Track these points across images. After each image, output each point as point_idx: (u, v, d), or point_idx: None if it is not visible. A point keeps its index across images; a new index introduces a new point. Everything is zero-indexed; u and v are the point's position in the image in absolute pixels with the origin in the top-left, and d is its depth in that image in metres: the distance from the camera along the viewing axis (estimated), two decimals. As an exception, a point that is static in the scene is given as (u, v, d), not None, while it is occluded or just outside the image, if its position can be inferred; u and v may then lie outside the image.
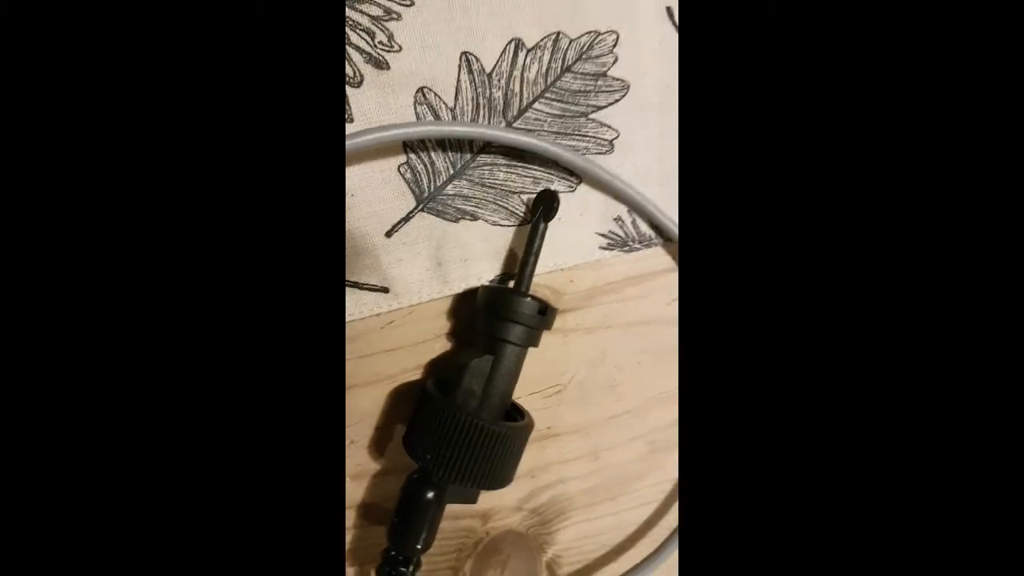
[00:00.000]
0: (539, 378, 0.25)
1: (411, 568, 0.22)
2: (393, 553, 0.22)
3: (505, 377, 0.22)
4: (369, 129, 0.22)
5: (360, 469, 0.25)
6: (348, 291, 0.23)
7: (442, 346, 0.25)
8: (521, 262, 0.23)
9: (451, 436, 0.21)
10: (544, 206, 0.23)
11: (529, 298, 0.22)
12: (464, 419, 0.21)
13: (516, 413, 0.23)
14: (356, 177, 0.23)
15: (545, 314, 0.22)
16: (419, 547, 0.22)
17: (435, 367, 0.25)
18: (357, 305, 0.23)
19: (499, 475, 0.22)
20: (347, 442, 0.24)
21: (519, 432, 0.22)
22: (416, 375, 0.24)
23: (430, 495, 0.22)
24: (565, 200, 0.24)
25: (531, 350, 0.23)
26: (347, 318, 0.23)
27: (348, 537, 0.25)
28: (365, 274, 0.23)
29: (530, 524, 0.27)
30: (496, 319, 0.22)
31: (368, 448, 0.25)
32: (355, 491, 0.25)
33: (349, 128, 0.22)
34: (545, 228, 0.23)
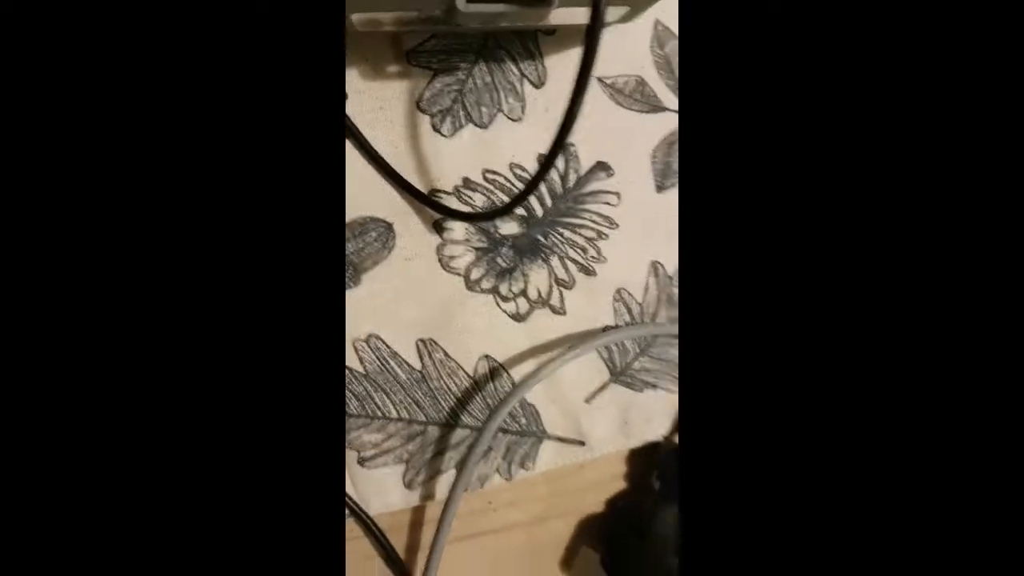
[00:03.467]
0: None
1: (607, 675, 0.27)
2: (592, 661, 0.27)
3: (682, 523, 0.27)
4: (586, 334, 0.27)
5: (552, 582, 0.29)
6: (553, 444, 0.28)
7: (619, 485, 0.29)
8: (694, 428, 0.27)
9: (652, 574, 0.25)
10: (714, 386, 0.27)
11: (704, 462, 0.26)
12: (664, 561, 0.25)
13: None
14: (569, 365, 0.28)
15: (717, 476, 0.27)
16: (614, 659, 0.27)
17: (615, 503, 0.29)
18: (561, 455, 0.28)
19: (680, 605, 0.26)
20: (543, 562, 0.29)
21: None
22: (599, 507, 0.29)
23: (625, 620, 0.26)
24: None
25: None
26: (551, 467, 0.28)
27: (540, 635, 0.30)
28: (569, 431, 0.28)
29: (680, 627, 0.31)
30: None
31: (560, 565, 0.29)
32: (546, 599, 0.29)
33: (566, 326, 0.27)
34: (714, 402, 0.27)
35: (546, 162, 0.22)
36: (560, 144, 0.21)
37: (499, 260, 0.27)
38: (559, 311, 0.28)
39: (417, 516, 0.27)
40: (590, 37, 0.18)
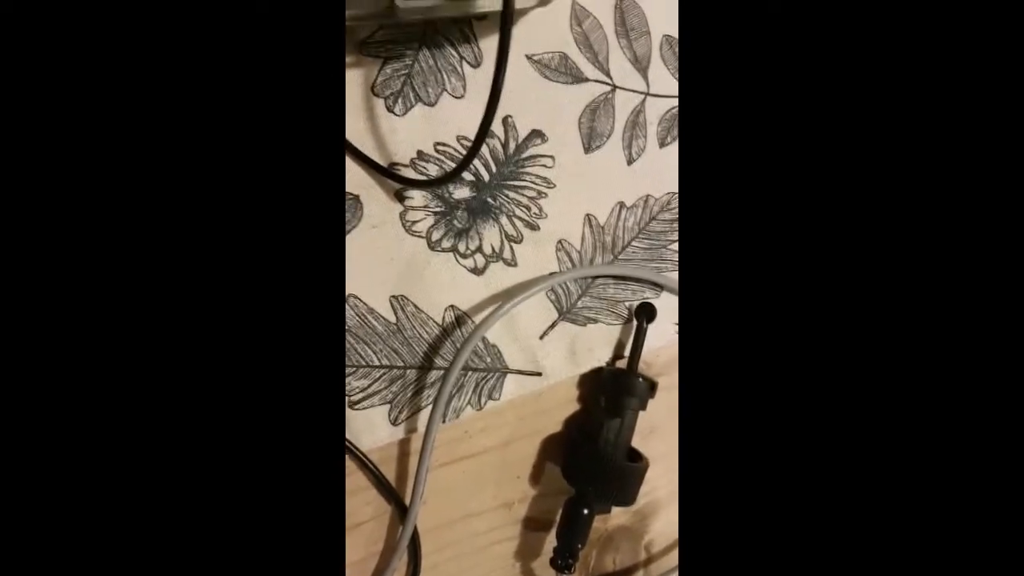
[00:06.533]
0: (640, 424, 0.34)
1: (575, 560, 0.31)
2: (563, 551, 0.31)
3: (628, 431, 0.31)
4: (534, 280, 0.30)
5: (523, 494, 0.33)
6: (515, 377, 0.32)
7: (573, 407, 0.33)
8: (631, 351, 0.31)
9: (602, 472, 0.30)
10: (646, 314, 0.31)
11: (641, 379, 0.30)
12: (612, 461, 0.29)
13: (635, 454, 0.32)
14: (522, 305, 0.31)
15: (653, 389, 0.31)
16: (579, 546, 0.31)
17: (570, 423, 0.33)
18: (521, 386, 0.32)
19: (630, 497, 0.31)
20: (514, 476, 0.33)
21: (643, 469, 0.31)
22: (558, 428, 0.33)
23: (586, 511, 0.30)
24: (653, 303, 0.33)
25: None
26: (515, 396, 0.32)
27: (516, 543, 0.34)
28: (527, 364, 0.32)
29: (633, 520, 0.35)
30: (621, 394, 0.30)
31: (529, 479, 0.33)
32: (520, 510, 0.33)
33: (518, 275, 0.31)
34: (646, 328, 0.31)
35: (481, 130, 0.25)
36: (490, 116, 0.24)
37: (455, 222, 0.30)
38: (511, 263, 0.31)
39: (404, 448, 0.30)
40: (504, 25, 0.22)
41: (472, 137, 0.29)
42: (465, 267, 0.30)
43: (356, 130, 0.27)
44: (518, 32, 0.30)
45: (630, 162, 0.31)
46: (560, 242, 0.31)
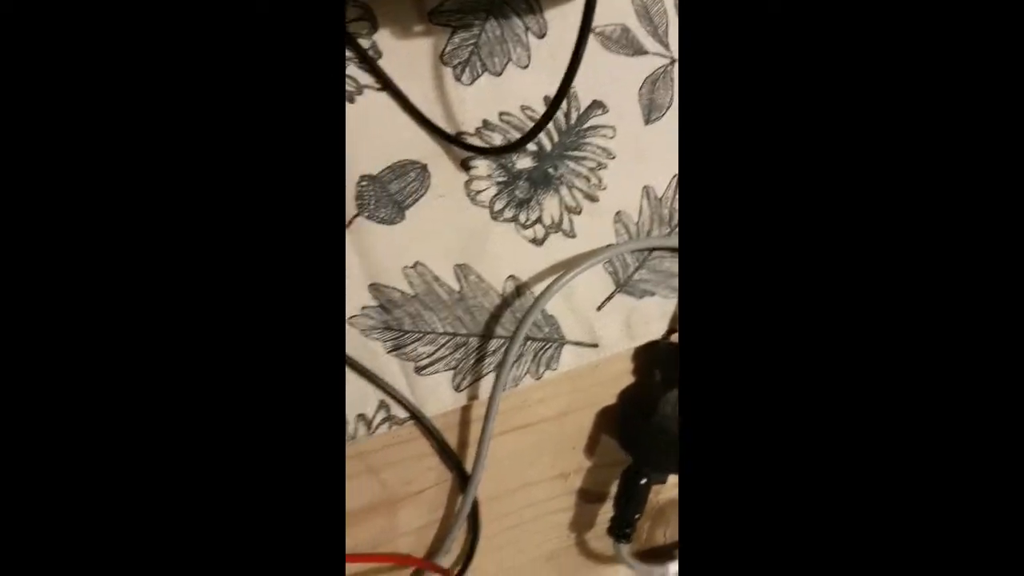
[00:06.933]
0: (691, 396, 0.34)
1: (632, 529, 0.31)
2: (621, 520, 0.31)
3: (685, 401, 0.31)
4: (592, 252, 0.31)
5: (579, 465, 0.33)
6: (572, 348, 0.32)
7: (628, 380, 0.33)
8: (688, 324, 0.31)
9: (661, 446, 0.30)
10: (704, 286, 0.31)
11: (699, 349, 0.31)
12: (670, 433, 0.30)
13: (690, 424, 0.32)
14: (580, 277, 0.31)
15: (711, 359, 0.31)
16: (637, 516, 0.31)
17: (625, 394, 0.33)
18: (579, 357, 0.32)
19: (689, 466, 0.31)
20: (570, 447, 0.33)
21: (701, 438, 0.31)
22: (613, 400, 0.33)
23: (644, 481, 0.31)
24: (707, 276, 0.33)
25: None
26: (571, 367, 0.32)
27: (572, 514, 0.34)
28: (584, 336, 0.32)
29: (684, 495, 0.36)
30: (677, 367, 0.31)
31: (584, 451, 0.33)
32: (576, 481, 0.33)
33: (576, 247, 0.31)
34: (703, 300, 0.31)
35: (554, 101, 0.25)
36: (566, 88, 0.24)
37: (517, 192, 0.30)
38: (570, 234, 0.31)
39: (465, 416, 0.31)
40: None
41: (535, 107, 0.30)
42: (526, 238, 0.30)
43: (426, 99, 0.28)
44: (582, 4, 0.30)
45: (689, 135, 0.31)
46: (618, 214, 0.31)
